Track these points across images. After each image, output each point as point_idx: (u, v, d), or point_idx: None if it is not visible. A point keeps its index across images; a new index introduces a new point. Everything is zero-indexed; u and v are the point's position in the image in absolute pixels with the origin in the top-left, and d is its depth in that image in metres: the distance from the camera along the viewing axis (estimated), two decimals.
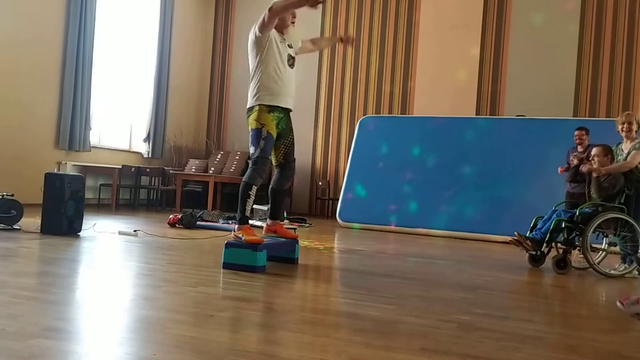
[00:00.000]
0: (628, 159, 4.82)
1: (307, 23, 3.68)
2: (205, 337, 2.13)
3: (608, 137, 5.25)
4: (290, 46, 4.11)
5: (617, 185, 4.80)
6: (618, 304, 3.00)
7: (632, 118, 4.96)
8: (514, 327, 2.61)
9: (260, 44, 3.95)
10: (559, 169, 6.32)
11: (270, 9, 3.83)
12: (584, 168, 5.04)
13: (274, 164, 4.19)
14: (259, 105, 3.95)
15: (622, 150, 4.99)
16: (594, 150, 5.06)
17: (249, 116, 4.01)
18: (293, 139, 4.17)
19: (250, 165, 3.96)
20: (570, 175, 5.80)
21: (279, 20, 3.98)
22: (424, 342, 2.24)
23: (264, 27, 3.90)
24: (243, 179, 3.93)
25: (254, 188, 3.91)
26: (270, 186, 4.21)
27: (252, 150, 3.96)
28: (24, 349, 1.85)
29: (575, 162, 5.81)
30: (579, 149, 6.18)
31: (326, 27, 11.01)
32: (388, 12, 10.66)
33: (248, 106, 4.04)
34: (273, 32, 3.97)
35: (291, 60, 4.07)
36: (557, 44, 9.55)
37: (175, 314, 2.46)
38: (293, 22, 4.14)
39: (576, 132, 6.24)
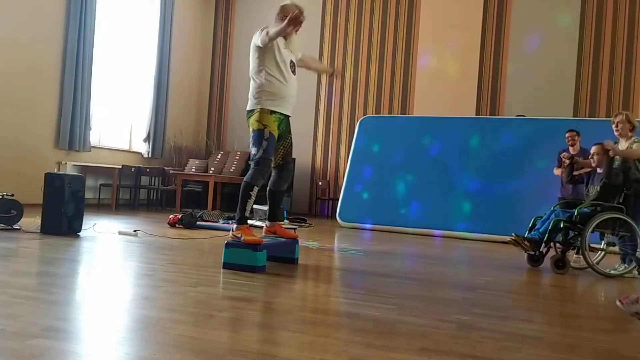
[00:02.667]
0: (634, 147, 4.83)
1: (307, 24, 3.71)
2: (205, 337, 2.13)
3: (608, 137, 5.24)
4: (291, 51, 4.13)
5: (620, 177, 4.79)
6: (617, 303, 3.00)
7: (620, 117, 4.97)
8: (514, 327, 2.61)
9: (263, 49, 3.97)
10: (555, 170, 6.29)
11: (267, 34, 3.88)
12: (612, 152, 4.89)
13: (272, 165, 4.19)
14: (260, 107, 3.96)
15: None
16: (593, 149, 5.08)
17: (249, 117, 4.02)
18: (291, 140, 4.19)
19: (252, 165, 3.96)
20: (567, 177, 5.78)
21: None
22: (424, 342, 2.24)
23: (264, 43, 3.94)
24: (245, 179, 3.92)
25: (256, 189, 3.91)
26: (268, 188, 4.21)
27: (254, 151, 3.95)
28: (24, 349, 1.85)
29: (567, 162, 5.81)
30: (571, 150, 6.17)
31: (326, 26, 11.02)
32: (388, 12, 10.66)
33: (248, 108, 4.05)
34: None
35: (293, 67, 4.09)
36: (557, 44, 9.55)
37: (175, 314, 2.46)
38: (296, 31, 4.15)
39: (567, 134, 6.23)
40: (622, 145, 4.96)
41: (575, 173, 5.51)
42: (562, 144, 6.54)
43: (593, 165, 5.07)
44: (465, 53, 10.05)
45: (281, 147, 4.12)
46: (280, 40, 4.02)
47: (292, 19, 3.78)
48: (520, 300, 3.42)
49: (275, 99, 3.97)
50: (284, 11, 4.09)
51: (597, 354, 2.26)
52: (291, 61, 4.09)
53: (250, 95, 4.05)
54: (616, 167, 4.86)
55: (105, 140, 9.75)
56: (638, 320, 2.88)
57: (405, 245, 6.45)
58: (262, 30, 3.97)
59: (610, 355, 2.26)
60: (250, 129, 4.00)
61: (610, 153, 4.80)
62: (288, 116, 4.13)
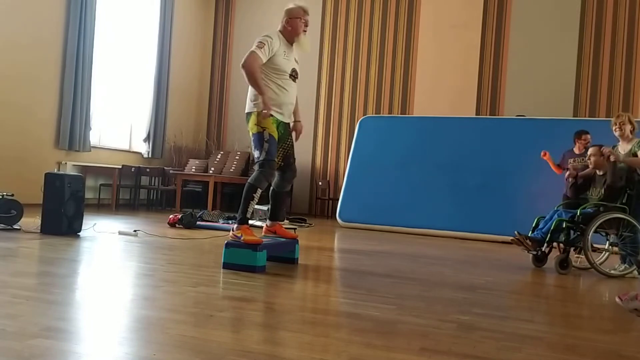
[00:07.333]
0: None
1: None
2: (205, 337, 2.13)
3: (608, 138, 5.24)
4: (296, 60, 4.12)
5: (623, 179, 4.77)
6: (617, 299, 3.00)
7: (622, 119, 4.95)
8: (514, 327, 2.61)
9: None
10: (567, 174, 6.26)
11: (244, 65, 3.85)
12: (613, 158, 4.82)
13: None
14: (257, 110, 3.96)
15: (620, 152, 4.98)
16: (590, 150, 5.09)
17: (248, 121, 4.02)
18: (292, 141, 4.20)
19: (256, 168, 3.96)
20: (572, 193, 5.78)
21: (290, 29, 4.04)
22: (424, 342, 2.24)
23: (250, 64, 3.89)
24: (248, 181, 3.92)
25: (259, 191, 3.91)
26: (272, 188, 4.22)
27: (256, 154, 3.95)
28: (24, 349, 1.85)
29: (571, 180, 5.81)
30: (576, 150, 6.18)
31: (326, 26, 11.01)
32: (388, 12, 10.66)
33: (246, 111, 4.05)
34: (279, 45, 3.97)
35: (295, 74, 4.08)
36: (557, 44, 9.55)
37: (175, 314, 2.46)
38: (305, 31, 4.13)
39: (583, 136, 6.31)
40: (623, 147, 4.95)
41: (580, 174, 5.52)
42: (562, 144, 6.55)
43: (591, 167, 5.07)
44: (465, 53, 10.05)
45: (281, 149, 4.12)
46: (281, 49, 3.99)
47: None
48: (521, 300, 3.42)
49: (273, 105, 3.96)
50: (289, 14, 4.07)
51: (597, 354, 2.26)
52: (293, 69, 4.07)
53: (248, 99, 4.05)
54: (621, 168, 4.82)
55: (105, 140, 9.75)
56: (638, 318, 2.88)
57: (405, 245, 6.45)
58: (258, 42, 3.90)
59: (610, 355, 2.25)
60: (250, 133, 4.00)
61: (612, 158, 4.77)
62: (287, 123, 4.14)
